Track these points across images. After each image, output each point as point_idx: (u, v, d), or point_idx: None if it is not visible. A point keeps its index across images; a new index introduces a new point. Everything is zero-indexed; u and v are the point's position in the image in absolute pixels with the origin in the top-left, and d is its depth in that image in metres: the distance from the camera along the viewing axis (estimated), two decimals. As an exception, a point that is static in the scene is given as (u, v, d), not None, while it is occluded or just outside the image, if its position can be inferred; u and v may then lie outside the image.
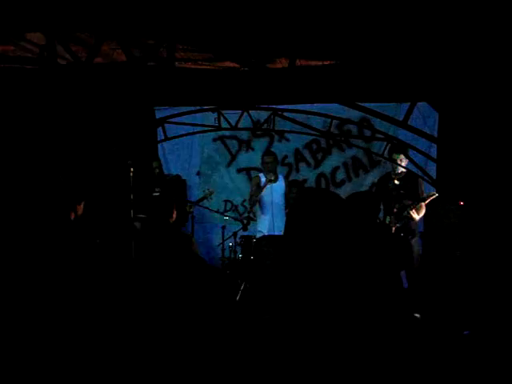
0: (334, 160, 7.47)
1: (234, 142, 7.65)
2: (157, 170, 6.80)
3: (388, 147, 6.50)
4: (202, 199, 6.78)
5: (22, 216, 5.34)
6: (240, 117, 6.60)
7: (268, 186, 6.12)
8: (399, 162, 6.00)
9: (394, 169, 6.08)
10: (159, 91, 6.32)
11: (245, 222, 6.87)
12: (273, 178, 6.11)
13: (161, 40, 5.18)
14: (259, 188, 6.17)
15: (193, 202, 6.83)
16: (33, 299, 3.87)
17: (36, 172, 5.80)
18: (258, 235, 6.24)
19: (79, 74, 5.38)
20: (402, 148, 6.09)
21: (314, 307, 3.32)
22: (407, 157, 6.13)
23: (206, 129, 6.95)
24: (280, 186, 6.24)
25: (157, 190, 6.46)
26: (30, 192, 5.60)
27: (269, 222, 6.19)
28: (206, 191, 6.85)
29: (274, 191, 6.15)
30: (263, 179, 6.24)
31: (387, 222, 5.98)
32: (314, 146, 7.52)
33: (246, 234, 6.67)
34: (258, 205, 6.27)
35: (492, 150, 5.40)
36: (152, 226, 4.57)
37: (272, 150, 7.45)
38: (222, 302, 4.17)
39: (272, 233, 6.14)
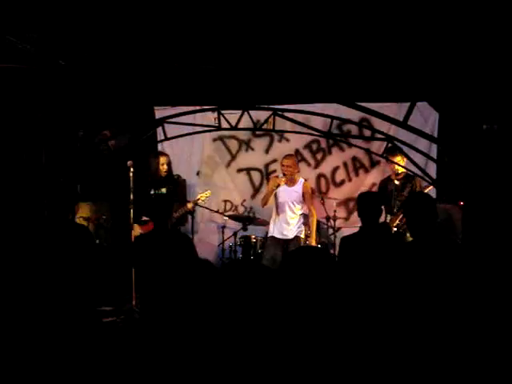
0: (334, 160, 7.46)
1: (234, 142, 7.64)
2: (165, 167, 6.56)
3: (387, 148, 6.50)
4: (197, 200, 6.70)
5: (20, 216, 5.34)
6: (240, 117, 6.59)
7: (283, 188, 6.11)
8: (397, 163, 6.03)
9: (393, 170, 6.10)
10: (159, 91, 6.32)
11: (246, 222, 6.87)
12: (282, 182, 6.07)
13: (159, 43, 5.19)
14: (270, 190, 6.19)
15: (192, 202, 6.75)
16: (31, 299, 3.87)
17: (35, 172, 5.80)
18: (268, 234, 6.33)
19: (79, 73, 5.39)
20: (398, 149, 6.11)
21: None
22: (407, 157, 6.14)
23: (206, 129, 6.94)
24: (296, 190, 6.22)
25: (162, 191, 6.31)
26: (28, 192, 5.60)
27: (278, 225, 6.21)
28: (203, 193, 6.74)
29: (289, 195, 6.16)
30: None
31: (387, 222, 5.99)
32: (314, 146, 7.51)
33: (245, 234, 6.68)
34: (274, 206, 6.30)
35: (492, 149, 5.40)
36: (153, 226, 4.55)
37: (271, 150, 7.47)
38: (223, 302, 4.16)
39: (279, 236, 6.17)
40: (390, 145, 6.17)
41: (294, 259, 4.20)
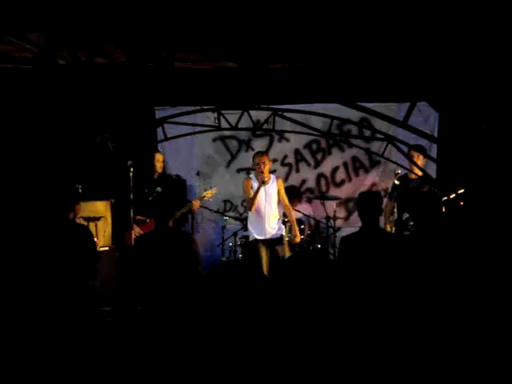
0: (334, 160, 7.46)
1: (234, 142, 7.64)
2: (161, 164, 6.57)
3: (389, 146, 6.50)
4: (202, 197, 6.68)
5: (21, 216, 5.35)
6: (240, 117, 6.60)
7: (262, 188, 5.91)
8: (415, 160, 6.03)
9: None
10: (159, 91, 6.32)
11: (245, 222, 6.86)
12: (265, 180, 5.86)
13: (161, 40, 5.19)
14: (254, 192, 5.91)
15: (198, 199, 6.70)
16: (32, 299, 3.87)
17: (35, 172, 5.80)
18: (251, 238, 6.09)
19: (79, 73, 5.39)
20: (421, 148, 6.13)
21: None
22: (407, 157, 6.17)
23: (205, 129, 6.94)
24: (271, 187, 6.01)
25: (158, 189, 6.37)
26: (29, 192, 5.61)
27: (261, 226, 6.05)
28: (208, 189, 6.73)
29: (267, 194, 5.96)
30: (254, 182, 6.00)
31: (404, 219, 5.96)
32: (314, 146, 7.51)
33: (245, 234, 6.67)
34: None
35: (492, 149, 5.40)
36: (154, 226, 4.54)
37: (271, 150, 7.46)
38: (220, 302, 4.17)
39: (264, 237, 5.97)
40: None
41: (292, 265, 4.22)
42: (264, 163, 5.91)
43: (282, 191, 6.12)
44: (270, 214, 5.97)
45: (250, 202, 6.01)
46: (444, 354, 3.48)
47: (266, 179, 5.91)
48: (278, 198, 6.08)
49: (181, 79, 5.94)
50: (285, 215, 6.35)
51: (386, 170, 7.14)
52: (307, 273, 4.70)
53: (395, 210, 6.00)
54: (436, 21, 4.74)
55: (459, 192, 5.47)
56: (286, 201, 6.17)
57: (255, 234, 6.03)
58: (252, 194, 5.96)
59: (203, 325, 3.87)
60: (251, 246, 6.11)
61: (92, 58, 5.21)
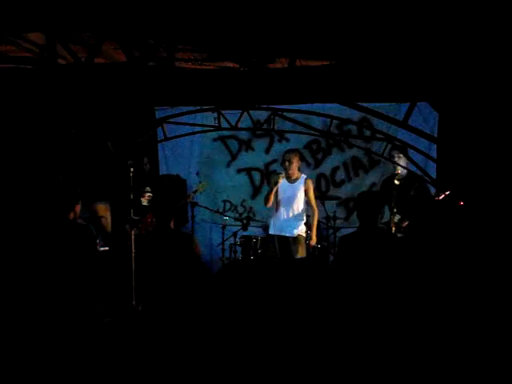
0: (334, 160, 7.46)
1: (234, 142, 7.65)
2: (148, 166, 6.73)
3: (388, 147, 6.49)
4: (195, 191, 6.75)
5: (21, 215, 5.35)
6: (240, 117, 6.60)
7: (284, 185, 6.00)
8: (397, 160, 6.03)
9: (395, 169, 6.11)
10: (159, 91, 6.31)
11: (244, 222, 6.87)
12: (281, 178, 5.95)
13: (161, 40, 5.19)
14: (271, 189, 6.05)
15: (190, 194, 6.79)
16: (32, 299, 3.87)
17: (35, 172, 5.80)
18: (269, 232, 6.18)
19: (79, 74, 5.39)
20: (401, 148, 6.11)
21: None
22: (407, 157, 6.15)
23: (206, 129, 6.94)
24: (297, 186, 6.08)
25: (147, 189, 6.45)
26: (29, 191, 5.61)
27: (277, 222, 6.11)
28: (200, 185, 6.82)
29: (290, 192, 6.04)
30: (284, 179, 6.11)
31: (396, 221, 5.94)
32: (314, 146, 7.52)
33: (245, 234, 6.67)
34: (274, 202, 6.15)
35: (492, 149, 5.40)
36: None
37: (271, 150, 7.49)
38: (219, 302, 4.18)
39: (276, 233, 6.07)
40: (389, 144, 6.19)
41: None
42: (290, 161, 6.04)
43: (311, 193, 6.17)
44: (288, 211, 6.04)
45: (266, 197, 6.15)
46: (441, 352, 3.49)
47: (281, 179, 5.99)
48: (306, 199, 6.13)
49: (181, 79, 5.94)
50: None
51: (386, 170, 7.14)
52: (306, 273, 4.71)
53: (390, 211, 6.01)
54: (436, 21, 4.73)
55: (448, 192, 5.50)
56: (313, 203, 6.20)
57: (270, 228, 6.15)
58: (272, 190, 6.06)
59: (204, 325, 3.87)
60: (267, 240, 6.23)
61: (92, 58, 5.22)
